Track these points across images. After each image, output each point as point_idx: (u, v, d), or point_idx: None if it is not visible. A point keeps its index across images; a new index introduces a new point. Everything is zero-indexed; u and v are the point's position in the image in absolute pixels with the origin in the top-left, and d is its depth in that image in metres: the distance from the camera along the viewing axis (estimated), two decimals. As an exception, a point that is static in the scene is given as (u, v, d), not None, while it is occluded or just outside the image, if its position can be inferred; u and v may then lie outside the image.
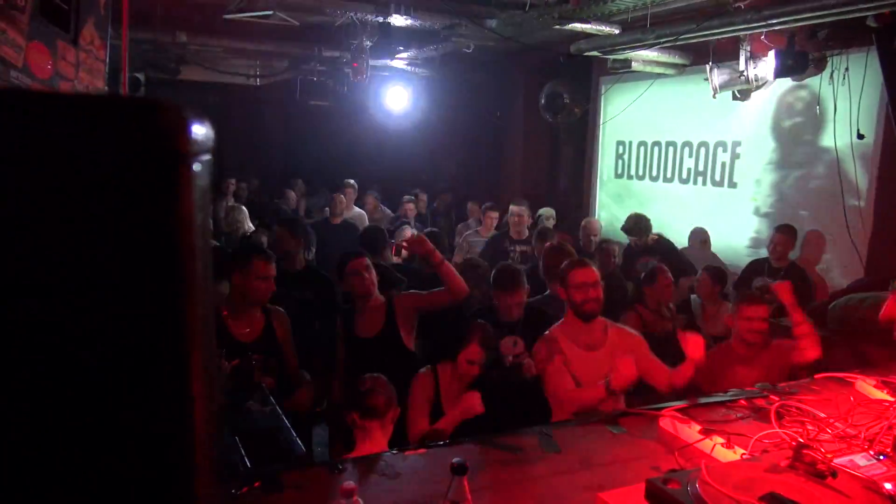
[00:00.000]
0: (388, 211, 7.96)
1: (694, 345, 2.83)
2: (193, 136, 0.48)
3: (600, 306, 3.12)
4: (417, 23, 5.52)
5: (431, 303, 3.49)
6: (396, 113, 8.20)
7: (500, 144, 9.51)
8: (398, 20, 5.43)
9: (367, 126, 8.97)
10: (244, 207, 6.68)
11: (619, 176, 7.85)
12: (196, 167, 0.49)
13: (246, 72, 8.70)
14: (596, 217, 8.01)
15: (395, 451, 2.10)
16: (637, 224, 5.85)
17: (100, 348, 0.46)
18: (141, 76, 7.07)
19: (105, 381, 0.46)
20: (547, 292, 4.10)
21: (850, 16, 4.28)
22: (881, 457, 1.90)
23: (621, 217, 7.59)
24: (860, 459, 1.88)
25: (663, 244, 5.89)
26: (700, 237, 6.38)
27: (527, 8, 5.13)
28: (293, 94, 8.66)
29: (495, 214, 6.47)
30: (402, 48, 6.92)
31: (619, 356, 2.82)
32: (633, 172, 7.63)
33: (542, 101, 7.83)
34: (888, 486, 1.63)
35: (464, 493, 1.46)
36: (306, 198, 8.92)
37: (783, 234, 5.14)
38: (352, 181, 7.34)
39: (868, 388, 2.60)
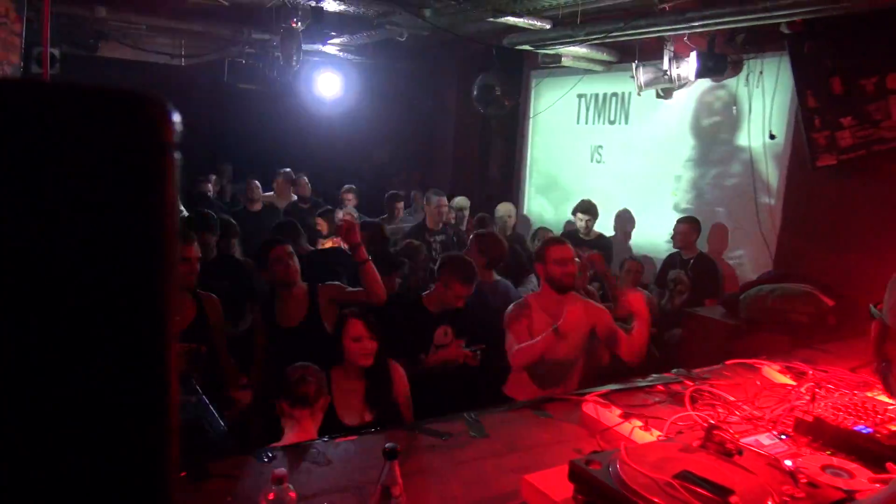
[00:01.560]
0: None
1: (635, 300, 3.16)
2: (175, 127, 0.52)
3: (575, 280, 3.40)
4: (351, 9, 5.46)
5: (350, 300, 3.48)
6: (328, 99, 8.08)
7: (432, 134, 9.54)
8: (331, 5, 5.35)
9: (297, 112, 8.80)
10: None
11: (548, 168, 8.02)
12: (177, 155, 0.53)
13: (170, 51, 8.36)
14: (526, 208, 8.18)
15: (325, 439, 2.10)
16: (590, 206, 6.14)
17: (102, 329, 0.48)
18: (56, 52, 6.71)
19: (96, 357, 0.48)
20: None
21: (766, 22, 4.52)
22: (783, 436, 2.04)
23: (549, 208, 7.79)
24: (765, 439, 2.02)
25: (604, 241, 6.10)
26: (624, 221, 6.61)
27: (461, -1, 5.17)
28: (221, 76, 8.39)
29: (400, 205, 6.58)
30: (334, 34, 6.82)
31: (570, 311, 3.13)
32: (563, 165, 7.80)
33: (475, 93, 7.88)
34: (789, 462, 1.76)
35: (395, 477, 1.49)
36: (232, 184, 8.70)
37: (685, 224, 5.47)
38: (287, 170, 7.22)
39: (773, 373, 2.77)
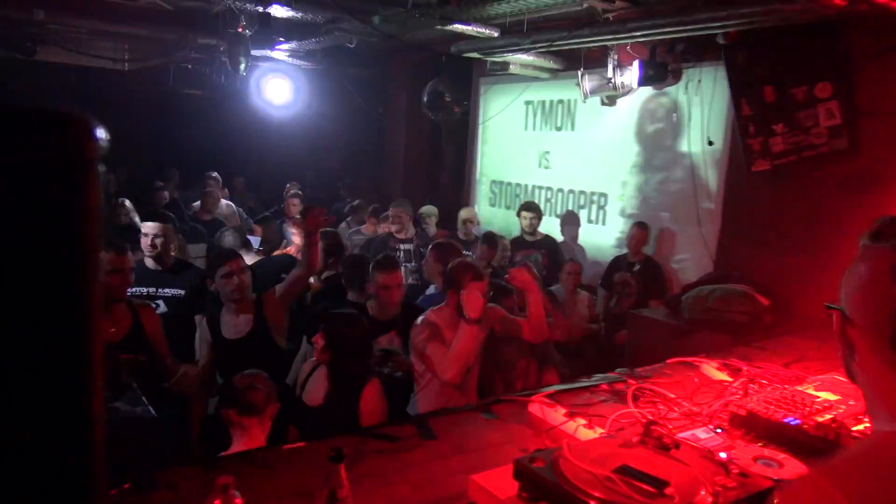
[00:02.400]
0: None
1: (518, 274, 3.40)
2: (98, 143, 0.55)
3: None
4: (299, 15, 5.45)
5: (292, 286, 3.49)
6: (277, 105, 8.02)
7: (382, 141, 9.55)
8: (279, 11, 5.33)
9: (246, 118, 8.70)
10: (127, 201, 6.38)
11: (498, 174, 8.12)
12: (100, 168, 0.55)
13: (112, 55, 8.17)
14: (478, 215, 8.25)
15: (274, 446, 2.10)
16: (533, 205, 6.30)
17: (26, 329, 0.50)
18: (-9, 55, 6.50)
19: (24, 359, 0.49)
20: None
21: (703, 33, 4.70)
22: (718, 430, 2.13)
23: (500, 215, 7.88)
24: (701, 433, 2.11)
25: (549, 241, 6.23)
26: (570, 223, 6.77)
27: (409, 6, 5.21)
28: (166, 81, 8.24)
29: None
30: (282, 40, 6.78)
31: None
32: (512, 171, 7.91)
33: (425, 99, 7.94)
34: (723, 454, 1.84)
35: (340, 480, 1.50)
36: (180, 190, 8.54)
37: (638, 229, 5.64)
38: (214, 174, 7.12)
39: (711, 370, 2.88)
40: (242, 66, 6.07)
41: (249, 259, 4.74)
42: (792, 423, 2.06)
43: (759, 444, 2.05)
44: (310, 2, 5.28)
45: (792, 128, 4.74)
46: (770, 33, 4.67)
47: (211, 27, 6.40)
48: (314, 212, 3.55)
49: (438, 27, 5.31)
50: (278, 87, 7.86)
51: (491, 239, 5.55)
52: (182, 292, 4.02)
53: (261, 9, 5.29)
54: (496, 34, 5.61)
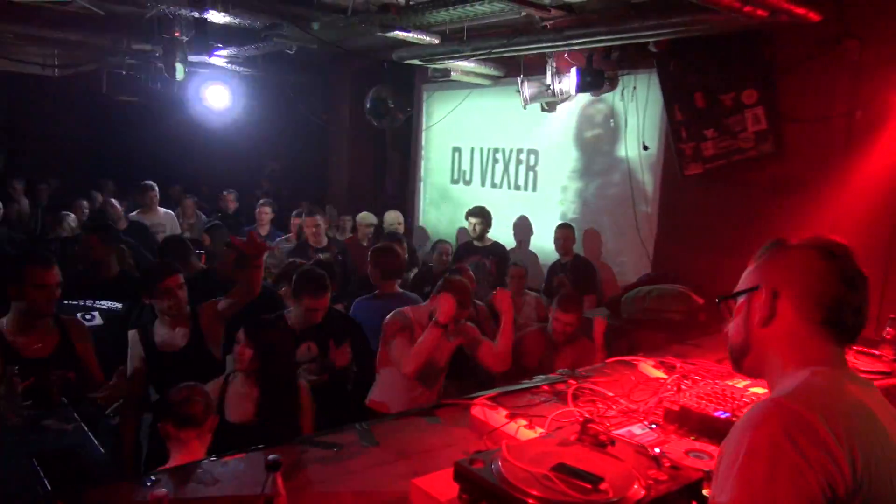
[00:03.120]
0: (204, 216, 7.64)
1: (501, 298, 3.56)
2: None
3: None
4: (237, 20, 5.36)
5: (232, 307, 3.44)
6: (216, 112, 7.86)
7: (326, 148, 9.48)
8: (215, 16, 5.23)
9: (184, 125, 8.51)
10: (71, 214, 6.16)
11: (442, 180, 8.16)
12: None
13: (41, 61, 7.86)
14: (421, 219, 8.28)
15: (213, 459, 2.06)
16: (481, 211, 6.30)
17: None
18: None
19: None
20: (376, 291, 4.28)
21: (636, 41, 4.86)
22: (653, 426, 2.20)
23: (444, 220, 7.92)
24: (636, 429, 2.16)
25: (498, 247, 6.29)
26: (522, 229, 6.84)
27: (349, 13, 5.20)
28: (99, 88, 7.98)
29: (298, 221, 6.51)
30: (220, 45, 6.66)
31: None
32: (455, 177, 7.97)
33: (367, 106, 7.94)
34: (657, 449, 1.90)
35: (278, 488, 1.49)
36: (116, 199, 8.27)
37: (563, 230, 5.79)
38: (149, 182, 6.93)
39: (648, 368, 2.96)
40: (179, 73, 5.94)
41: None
42: (722, 416, 2.13)
43: (692, 437, 2.11)
44: (247, 8, 5.21)
45: (722, 133, 4.94)
46: (699, 42, 4.86)
47: (145, 32, 6.23)
48: (254, 237, 3.55)
49: (379, 34, 5.32)
50: (217, 93, 7.71)
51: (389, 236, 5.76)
52: (119, 305, 3.90)
53: (196, 14, 5.19)
54: (436, 41, 5.65)
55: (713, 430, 2.11)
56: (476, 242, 6.28)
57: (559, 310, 3.98)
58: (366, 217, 6.79)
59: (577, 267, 5.72)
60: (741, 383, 2.54)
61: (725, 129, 4.94)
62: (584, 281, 5.59)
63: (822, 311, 1.30)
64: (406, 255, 5.38)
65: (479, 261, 5.90)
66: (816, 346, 1.31)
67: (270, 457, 1.49)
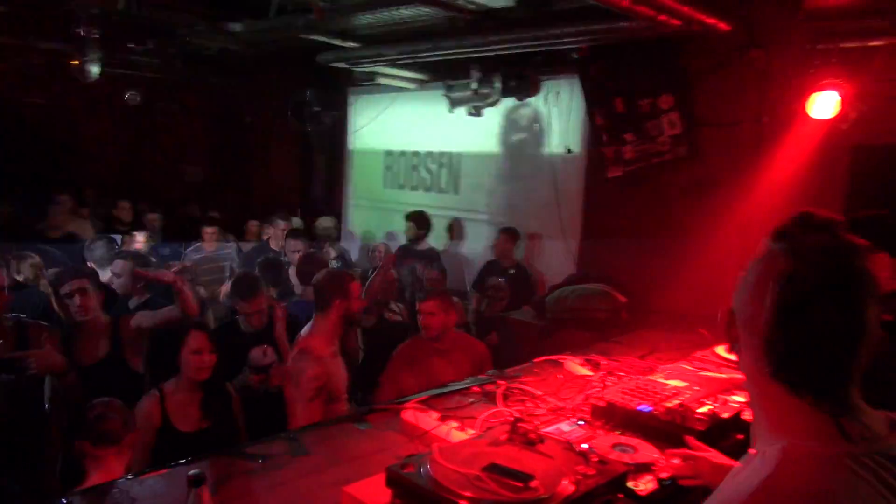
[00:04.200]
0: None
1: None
2: None
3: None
4: (153, 19, 5.18)
5: (163, 322, 3.31)
6: (133, 114, 7.54)
7: (250, 152, 9.25)
8: (129, 14, 5.03)
9: (93, 127, 8.12)
10: None
11: (369, 184, 8.11)
12: None
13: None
14: (350, 224, 8.20)
15: (130, 477, 1.97)
16: (420, 216, 6.30)
17: None
18: None
19: None
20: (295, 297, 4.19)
21: (558, 47, 4.97)
22: (581, 422, 2.25)
23: (372, 224, 7.88)
24: (565, 426, 2.21)
25: (432, 252, 6.28)
26: (457, 231, 6.87)
27: (271, 15, 5.10)
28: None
29: (210, 230, 6.38)
30: (133, 45, 6.40)
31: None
32: (383, 181, 7.93)
33: (293, 109, 7.81)
34: (585, 445, 1.94)
35: None
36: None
37: (506, 235, 5.84)
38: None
39: (575, 366, 3.03)
40: (93, 73, 5.66)
41: (105, 276, 4.42)
42: (645, 410, 2.20)
43: (618, 432, 2.17)
44: (164, 6, 5.03)
45: (640, 136, 5.12)
46: (618, 49, 5.03)
47: (57, 31, 5.91)
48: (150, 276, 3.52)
49: (302, 36, 5.24)
50: (133, 95, 7.39)
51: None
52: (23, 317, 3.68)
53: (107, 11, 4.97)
54: (360, 45, 5.61)
55: (637, 424, 2.18)
56: (414, 246, 6.29)
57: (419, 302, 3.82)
58: (323, 222, 6.72)
59: (520, 275, 5.78)
60: (662, 377, 2.63)
61: (644, 133, 5.12)
62: (523, 288, 5.67)
63: (770, 363, 1.00)
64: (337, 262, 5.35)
65: (414, 264, 5.92)
66: (787, 406, 1.00)
67: (192, 472, 1.43)
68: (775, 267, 0.99)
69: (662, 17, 4.01)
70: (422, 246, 6.31)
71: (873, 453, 0.94)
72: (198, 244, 6.37)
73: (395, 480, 1.67)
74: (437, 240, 6.76)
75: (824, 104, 4.14)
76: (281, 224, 5.85)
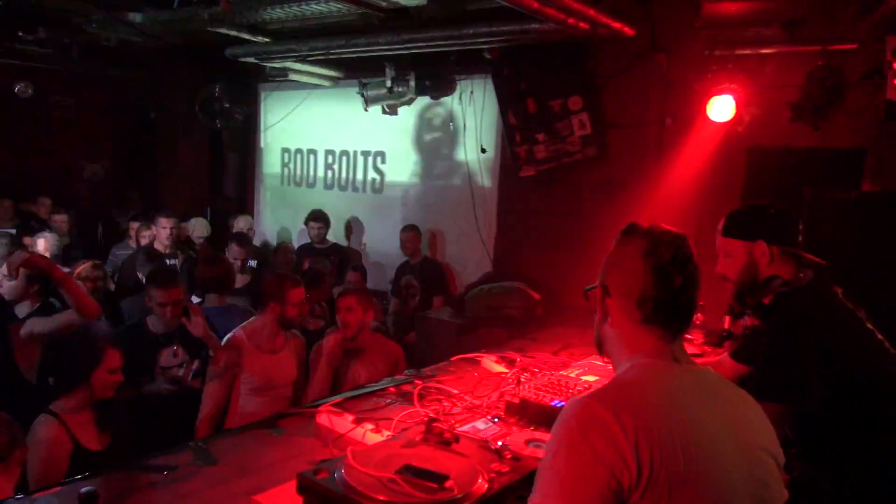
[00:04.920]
0: None
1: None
2: None
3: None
4: (45, 6, 4.84)
5: (59, 327, 3.11)
6: (25, 108, 7.05)
7: (157, 148, 8.84)
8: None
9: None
10: None
11: (281, 182, 7.93)
12: None
13: None
14: (262, 223, 7.99)
15: (20, 496, 1.83)
16: (321, 214, 6.28)
17: None
18: None
19: None
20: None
21: (471, 47, 5.01)
22: (496, 420, 2.26)
23: (285, 223, 7.70)
24: (480, 424, 2.21)
25: (336, 248, 6.21)
26: (355, 229, 6.83)
27: (175, 5, 4.88)
28: None
29: (136, 225, 6.08)
30: (22, 33, 5.98)
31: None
32: (295, 179, 7.77)
33: (202, 104, 7.53)
34: (500, 442, 1.96)
35: (97, 523, 1.35)
36: None
37: (408, 232, 5.86)
38: None
39: (491, 363, 3.05)
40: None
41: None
42: (558, 405, 2.24)
43: (532, 428, 2.20)
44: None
45: (552, 136, 5.24)
46: (530, 50, 5.13)
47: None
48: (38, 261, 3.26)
49: (209, 29, 5.04)
50: (24, 87, 6.91)
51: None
52: None
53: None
54: (269, 40, 5.46)
55: (551, 420, 2.19)
56: (316, 245, 6.22)
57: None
58: (239, 222, 6.54)
59: (426, 268, 5.79)
60: (574, 373, 2.70)
61: (555, 134, 5.24)
62: (433, 281, 5.68)
63: (642, 312, 1.37)
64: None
65: (322, 262, 5.86)
66: (641, 340, 1.38)
67: (84, 489, 1.34)
68: (640, 247, 1.37)
69: (571, 21, 4.11)
70: (325, 244, 6.28)
71: (688, 370, 1.40)
72: (124, 242, 6.09)
73: (307, 487, 1.63)
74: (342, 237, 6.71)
75: (721, 108, 4.36)
76: (163, 223, 5.60)
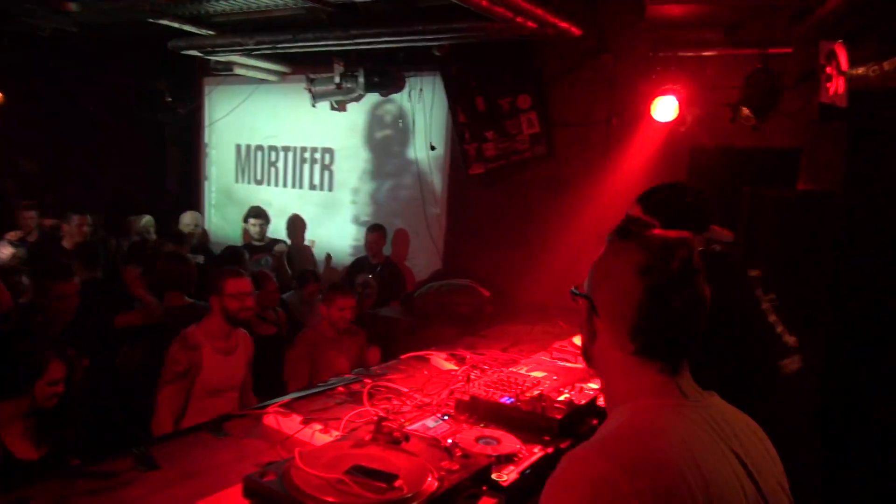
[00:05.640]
0: None
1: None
2: None
3: (252, 314, 3.50)
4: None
5: None
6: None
7: (97, 143, 8.52)
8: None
9: None
10: None
11: (228, 179, 7.76)
12: None
13: None
14: (207, 221, 7.81)
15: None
16: (260, 211, 6.18)
17: None
18: None
19: None
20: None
21: (420, 44, 4.99)
22: (445, 417, 2.26)
23: (231, 220, 7.54)
24: (430, 422, 2.21)
25: (276, 243, 6.11)
26: (296, 226, 6.71)
27: (114, -5, 4.71)
28: None
29: (31, 214, 5.87)
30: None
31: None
32: (242, 176, 7.61)
33: (143, 99, 7.30)
34: (449, 440, 1.96)
35: (31, 535, 1.29)
36: None
37: (375, 232, 5.80)
38: None
39: (441, 361, 3.05)
40: None
41: None
42: (507, 402, 2.26)
43: (481, 424, 2.21)
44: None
45: (501, 135, 5.27)
46: (479, 48, 5.14)
47: None
48: None
49: (150, 20, 4.89)
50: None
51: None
52: None
53: None
54: (213, 32, 5.33)
55: (500, 416, 2.23)
56: (256, 242, 6.13)
57: (337, 295, 3.93)
58: (185, 218, 6.37)
59: (387, 271, 5.75)
60: (524, 369, 2.72)
61: (504, 132, 5.28)
62: (392, 284, 5.65)
63: (635, 344, 1.16)
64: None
65: (263, 258, 5.78)
66: (639, 374, 1.17)
67: (19, 497, 1.28)
68: (634, 261, 1.14)
69: (519, 19, 4.14)
70: (264, 240, 6.20)
71: (699, 406, 1.16)
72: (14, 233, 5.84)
73: (253, 490, 1.60)
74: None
75: (665, 108, 4.47)
76: (76, 220, 5.43)
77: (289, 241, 6.61)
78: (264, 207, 6.39)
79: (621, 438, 1.09)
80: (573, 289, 1.28)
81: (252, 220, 6.15)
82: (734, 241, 2.33)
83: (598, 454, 1.06)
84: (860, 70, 2.88)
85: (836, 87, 2.99)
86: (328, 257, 6.50)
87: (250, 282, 3.45)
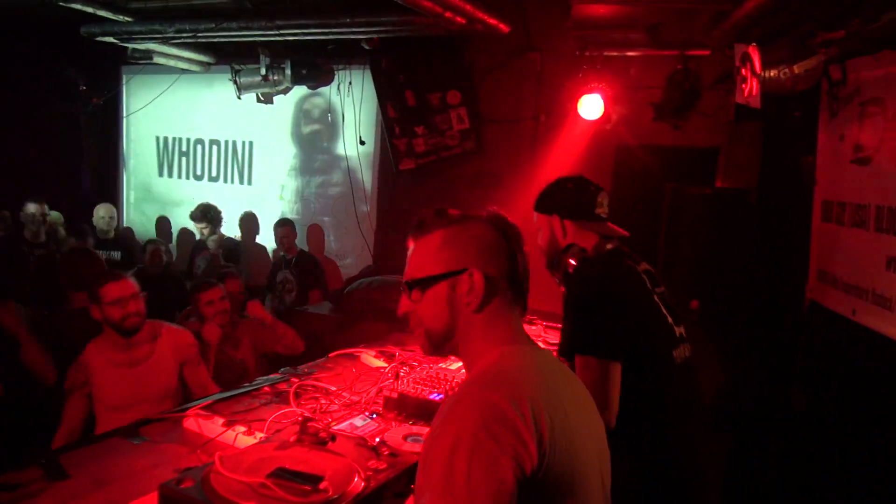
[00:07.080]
0: None
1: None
2: None
3: (143, 318, 3.05)
4: None
5: None
6: None
7: (4, 134, 8.00)
8: None
9: None
10: None
11: (147, 172, 7.45)
12: None
13: None
14: (126, 217, 7.48)
15: None
16: (206, 212, 5.88)
17: None
18: None
19: None
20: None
21: (349, 37, 4.92)
22: (374, 415, 2.23)
23: (152, 216, 7.25)
24: (358, 421, 2.18)
25: (229, 241, 5.91)
26: (249, 223, 6.51)
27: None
28: None
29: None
30: None
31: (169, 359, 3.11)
32: (162, 170, 7.33)
33: (54, 87, 6.91)
34: (377, 439, 1.93)
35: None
36: None
37: (284, 227, 5.66)
38: None
39: (370, 358, 3.02)
40: None
41: None
42: (436, 398, 2.25)
43: (410, 422, 2.19)
44: None
45: (431, 130, 5.26)
46: (409, 43, 5.11)
47: None
48: None
49: (61, 4, 4.62)
50: None
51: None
52: None
53: None
54: (129, 19, 5.09)
55: (429, 413, 2.21)
56: (208, 242, 5.90)
57: (199, 293, 3.75)
58: (100, 210, 5.97)
59: (302, 262, 5.63)
60: (454, 365, 2.72)
61: (434, 127, 5.27)
62: (309, 276, 5.54)
63: (512, 290, 1.37)
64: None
65: (208, 255, 5.60)
66: (505, 324, 1.37)
67: None
68: (490, 227, 1.40)
69: (448, 15, 4.13)
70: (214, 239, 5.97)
71: (544, 352, 1.45)
72: None
73: (169, 498, 1.53)
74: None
75: (591, 106, 4.56)
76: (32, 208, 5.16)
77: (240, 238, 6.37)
78: (188, 201, 6.13)
79: (499, 375, 1.27)
80: (428, 274, 1.41)
81: (198, 224, 5.91)
82: (628, 236, 2.37)
83: (484, 388, 1.21)
84: (773, 72, 3.00)
85: (751, 88, 3.11)
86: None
87: (133, 283, 3.05)
